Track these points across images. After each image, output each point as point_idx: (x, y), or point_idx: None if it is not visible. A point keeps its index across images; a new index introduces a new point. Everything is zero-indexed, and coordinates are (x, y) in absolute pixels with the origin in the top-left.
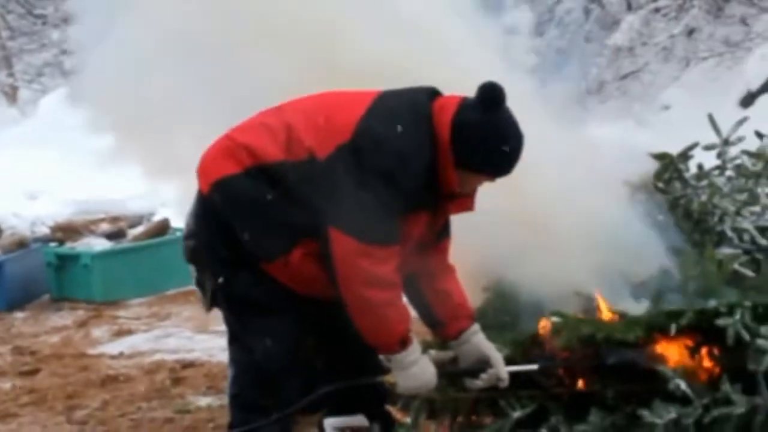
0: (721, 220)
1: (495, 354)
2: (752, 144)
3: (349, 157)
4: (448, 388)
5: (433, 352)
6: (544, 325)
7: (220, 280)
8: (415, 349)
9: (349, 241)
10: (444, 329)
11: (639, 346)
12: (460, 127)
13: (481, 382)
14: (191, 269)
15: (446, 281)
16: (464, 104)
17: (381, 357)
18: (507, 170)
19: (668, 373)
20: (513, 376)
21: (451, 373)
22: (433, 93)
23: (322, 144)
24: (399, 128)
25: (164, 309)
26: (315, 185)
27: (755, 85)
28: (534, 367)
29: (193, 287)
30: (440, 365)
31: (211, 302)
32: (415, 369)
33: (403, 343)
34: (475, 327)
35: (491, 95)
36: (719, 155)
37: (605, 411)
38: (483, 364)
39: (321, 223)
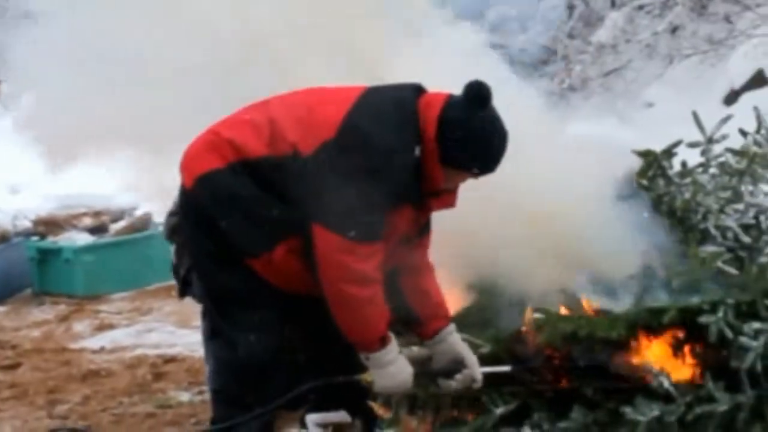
0: (704, 217)
1: (470, 355)
2: (736, 142)
3: (334, 153)
4: (430, 384)
5: (415, 348)
6: (527, 321)
7: (202, 274)
8: (393, 348)
9: (333, 238)
10: (421, 328)
11: (615, 347)
12: (447, 125)
13: (455, 383)
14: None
15: (425, 280)
16: (450, 102)
17: (360, 355)
18: (492, 168)
19: (651, 370)
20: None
21: (426, 373)
22: (418, 90)
23: (306, 140)
24: (384, 125)
25: (146, 304)
26: (299, 181)
27: (739, 83)
28: (507, 368)
29: (175, 282)
30: (417, 363)
31: (183, 290)
32: (393, 368)
33: (383, 341)
34: (451, 327)
35: (477, 93)
36: (703, 153)
37: (588, 408)
38: (458, 364)
39: (305, 219)
